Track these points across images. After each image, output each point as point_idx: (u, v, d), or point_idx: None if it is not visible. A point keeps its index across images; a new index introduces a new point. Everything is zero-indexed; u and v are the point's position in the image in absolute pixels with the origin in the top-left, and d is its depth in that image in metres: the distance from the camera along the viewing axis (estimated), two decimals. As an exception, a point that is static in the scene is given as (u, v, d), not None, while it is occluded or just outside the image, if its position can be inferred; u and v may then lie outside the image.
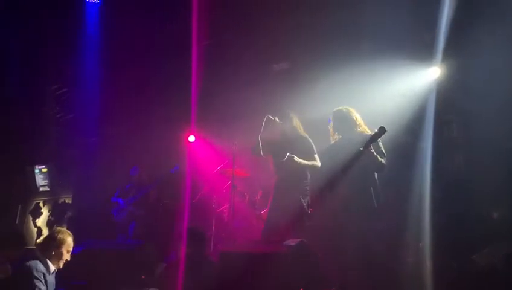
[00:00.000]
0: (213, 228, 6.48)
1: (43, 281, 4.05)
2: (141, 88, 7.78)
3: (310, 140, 5.47)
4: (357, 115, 4.99)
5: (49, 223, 8.05)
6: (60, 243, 4.23)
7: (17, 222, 8.21)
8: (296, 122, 5.53)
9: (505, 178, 5.39)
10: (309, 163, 5.32)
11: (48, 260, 4.15)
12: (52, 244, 4.21)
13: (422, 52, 6.05)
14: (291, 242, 4.44)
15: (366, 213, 4.64)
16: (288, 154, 5.24)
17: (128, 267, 5.19)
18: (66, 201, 8.03)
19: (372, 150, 4.56)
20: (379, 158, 4.62)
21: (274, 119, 5.36)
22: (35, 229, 8.15)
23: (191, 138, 7.75)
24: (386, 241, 5.04)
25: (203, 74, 7.17)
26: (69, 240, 4.29)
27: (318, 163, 5.34)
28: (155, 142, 7.71)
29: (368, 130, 4.90)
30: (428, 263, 5.10)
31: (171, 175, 7.38)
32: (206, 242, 5.01)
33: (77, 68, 7.53)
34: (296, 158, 5.23)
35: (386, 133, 4.53)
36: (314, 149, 5.42)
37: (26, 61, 7.18)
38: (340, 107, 5.07)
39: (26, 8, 6.87)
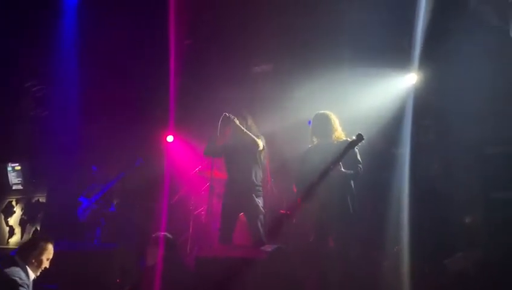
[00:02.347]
0: (190, 230, 6.43)
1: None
2: (119, 86, 7.67)
3: (263, 139, 5.46)
4: (335, 120, 5.01)
5: (22, 223, 7.88)
6: (42, 251, 4.10)
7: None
8: (251, 122, 5.51)
9: (481, 184, 5.49)
10: (251, 134, 5.28)
11: (27, 267, 4.01)
12: (33, 252, 4.08)
13: (399, 58, 6.10)
14: (268, 247, 4.44)
15: (343, 220, 4.67)
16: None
17: (102, 270, 5.11)
18: (40, 200, 7.87)
19: (341, 167, 4.61)
20: (347, 173, 4.67)
21: (232, 118, 5.30)
22: (7, 228, 7.98)
23: (170, 138, 7.66)
24: (363, 245, 5.10)
25: (183, 73, 7.10)
26: (50, 247, 4.17)
27: (260, 143, 5.31)
28: (133, 142, 7.61)
29: (344, 136, 4.95)
30: (403, 267, 5.17)
31: (135, 169, 7.30)
32: (177, 248, 4.92)
33: (53, 66, 7.37)
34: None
35: (363, 140, 4.58)
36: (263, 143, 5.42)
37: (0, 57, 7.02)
38: (320, 111, 5.09)
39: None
